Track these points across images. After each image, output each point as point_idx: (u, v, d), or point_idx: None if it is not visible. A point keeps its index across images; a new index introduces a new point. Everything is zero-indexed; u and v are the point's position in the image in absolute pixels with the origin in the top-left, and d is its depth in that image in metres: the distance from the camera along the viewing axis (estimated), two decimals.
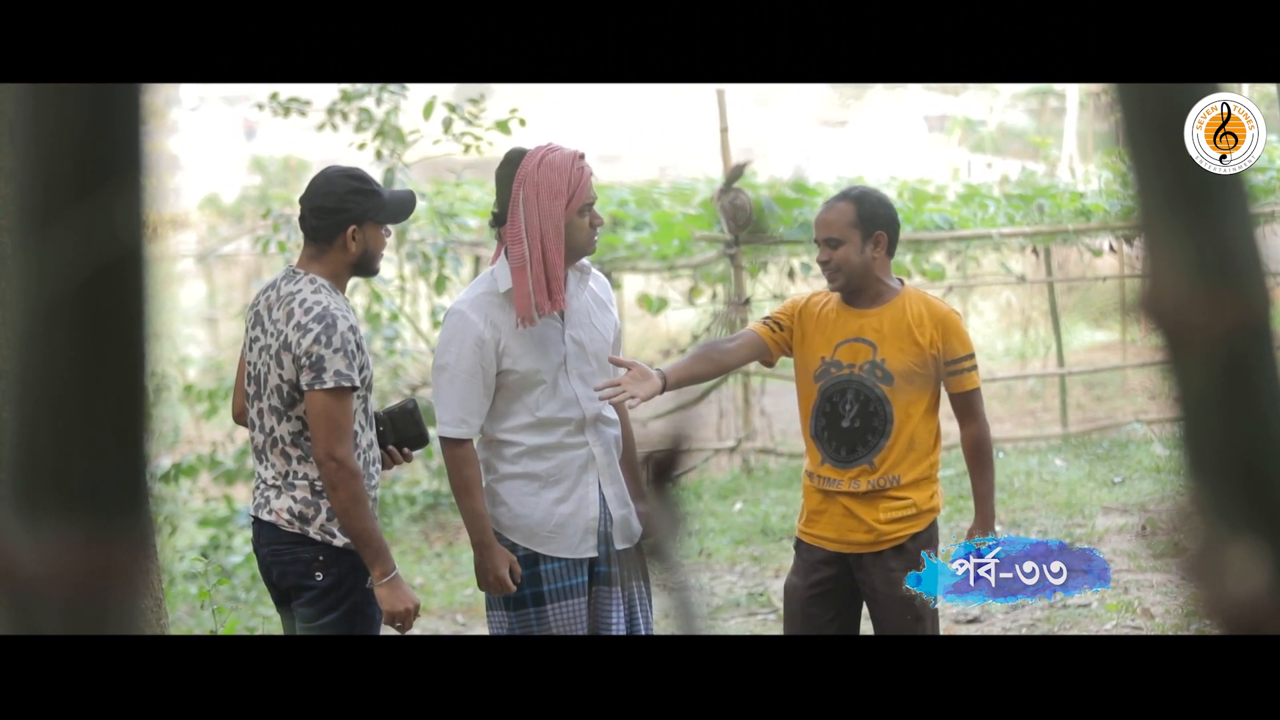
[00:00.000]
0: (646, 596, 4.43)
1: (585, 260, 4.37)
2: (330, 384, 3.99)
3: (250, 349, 4.19)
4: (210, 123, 26.26)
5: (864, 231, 4.44)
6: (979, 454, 4.53)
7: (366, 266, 4.22)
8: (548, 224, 4.16)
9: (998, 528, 8.90)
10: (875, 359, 4.46)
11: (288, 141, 23.78)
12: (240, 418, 4.37)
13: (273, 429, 4.12)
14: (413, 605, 4.14)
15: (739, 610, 7.42)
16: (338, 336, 4.01)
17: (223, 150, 25.87)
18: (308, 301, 4.08)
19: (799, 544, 4.64)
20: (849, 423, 4.47)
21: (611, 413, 4.39)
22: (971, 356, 4.50)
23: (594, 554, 4.28)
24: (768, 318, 4.65)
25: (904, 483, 4.45)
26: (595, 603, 4.30)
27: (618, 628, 4.28)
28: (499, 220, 4.26)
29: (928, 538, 4.50)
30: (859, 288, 4.48)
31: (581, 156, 4.24)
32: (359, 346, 4.09)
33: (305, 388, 4.01)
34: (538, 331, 4.21)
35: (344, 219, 4.11)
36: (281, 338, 4.07)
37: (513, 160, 4.23)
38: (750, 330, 4.66)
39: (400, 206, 4.24)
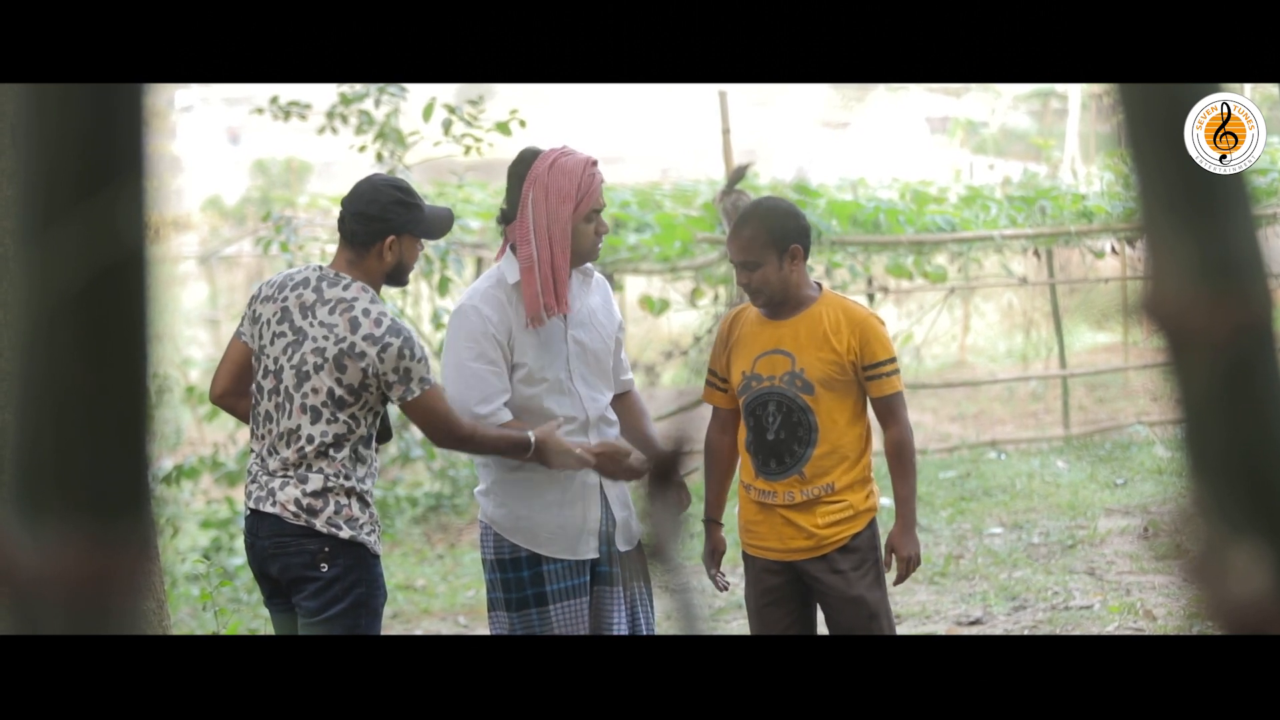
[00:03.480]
0: (648, 597, 4.44)
1: (589, 264, 4.38)
2: (418, 391, 4.11)
3: (270, 342, 4.20)
4: (197, 127, 26.27)
5: (778, 249, 4.43)
6: (900, 458, 4.50)
7: (398, 277, 4.30)
8: (555, 227, 4.18)
9: (998, 529, 8.91)
10: (794, 369, 4.45)
11: (276, 145, 23.80)
12: (220, 400, 4.41)
13: (300, 426, 4.13)
14: (575, 454, 4.22)
15: (740, 612, 7.39)
16: (417, 347, 4.14)
17: (209, 154, 25.87)
18: (372, 312, 4.15)
19: (745, 556, 4.66)
20: (774, 435, 4.47)
21: (613, 414, 4.41)
22: (892, 361, 4.47)
23: (595, 555, 4.29)
24: (709, 376, 4.67)
25: (838, 489, 4.45)
26: (597, 603, 4.30)
27: (619, 628, 4.29)
28: (506, 217, 4.27)
29: (869, 535, 4.51)
30: (781, 302, 4.48)
31: (594, 163, 4.26)
32: None
33: (398, 400, 4.12)
34: (542, 330, 4.23)
35: (384, 228, 4.18)
36: (345, 344, 4.12)
37: (525, 159, 4.25)
38: (711, 407, 4.70)
39: (439, 223, 4.33)
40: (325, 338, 4.13)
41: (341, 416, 4.13)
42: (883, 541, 4.59)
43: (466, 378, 4.20)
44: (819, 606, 4.58)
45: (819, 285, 4.57)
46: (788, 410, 4.45)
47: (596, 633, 4.28)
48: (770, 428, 4.47)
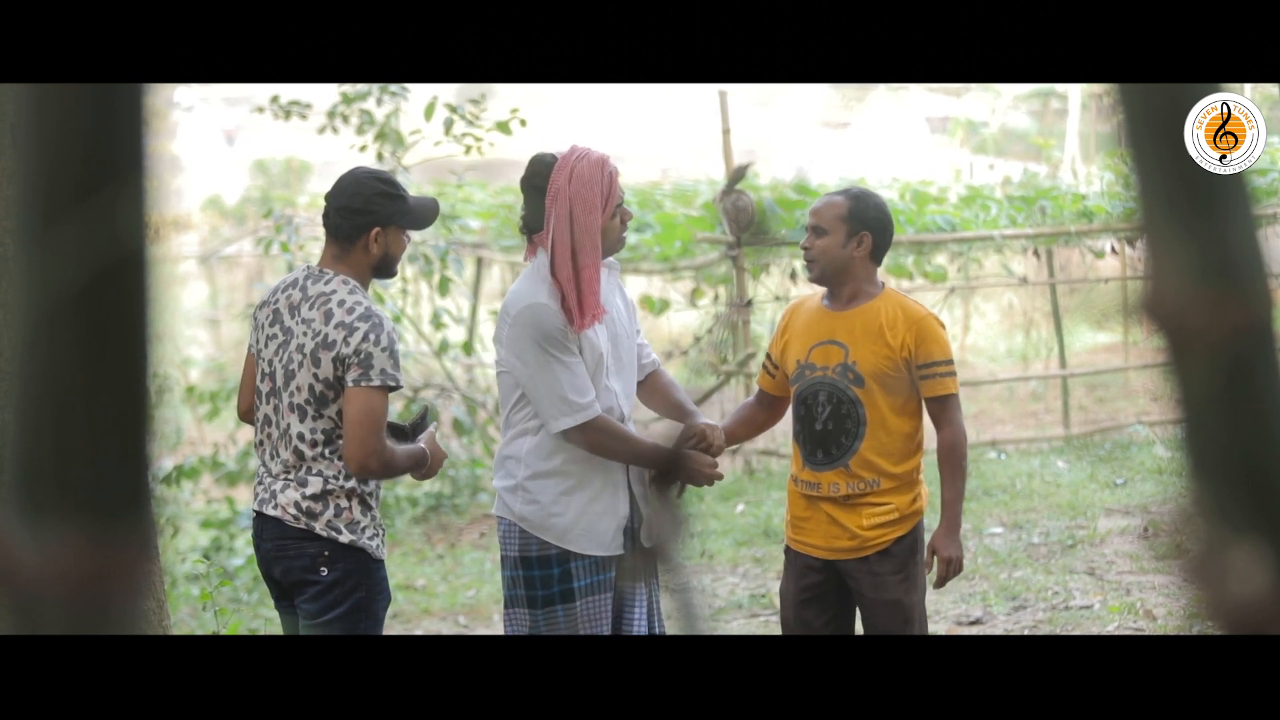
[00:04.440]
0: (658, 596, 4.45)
1: (612, 258, 4.37)
2: (376, 382, 4.05)
3: (265, 345, 4.22)
4: (193, 128, 26.26)
5: (850, 228, 4.46)
6: (950, 460, 4.49)
7: (386, 269, 4.28)
8: (584, 239, 4.15)
9: (998, 529, 8.90)
10: (847, 361, 4.45)
11: (273, 144, 23.82)
12: (247, 415, 4.39)
13: (289, 426, 4.13)
14: (442, 457, 4.33)
15: (741, 612, 7.42)
16: (385, 336, 4.07)
17: (205, 155, 25.87)
18: (347, 302, 4.13)
19: (788, 550, 4.66)
20: (821, 425, 4.48)
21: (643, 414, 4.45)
22: (948, 362, 4.46)
23: (622, 551, 4.27)
24: (765, 361, 4.74)
25: (883, 487, 4.45)
26: (618, 599, 4.29)
27: (639, 623, 4.28)
28: (530, 227, 4.24)
29: (912, 540, 4.50)
30: (835, 284, 4.49)
31: (608, 160, 4.24)
32: (398, 347, 4.15)
33: (350, 384, 4.05)
34: (589, 331, 4.21)
35: (368, 221, 4.17)
36: (320, 337, 4.10)
37: (541, 171, 4.20)
38: (760, 390, 4.78)
39: (424, 213, 4.32)
40: (305, 334, 4.13)
41: (326, 413, 4.11)
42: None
43: (558, 371, 4.14)
44: (858, 609, 4.58)
45: (883, 284, 4.58)
46: (837, 401, 4.45)
47: (617, 628, 4.28)
48: (819, 417, 4.48)
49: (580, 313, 4.16)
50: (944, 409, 4.48)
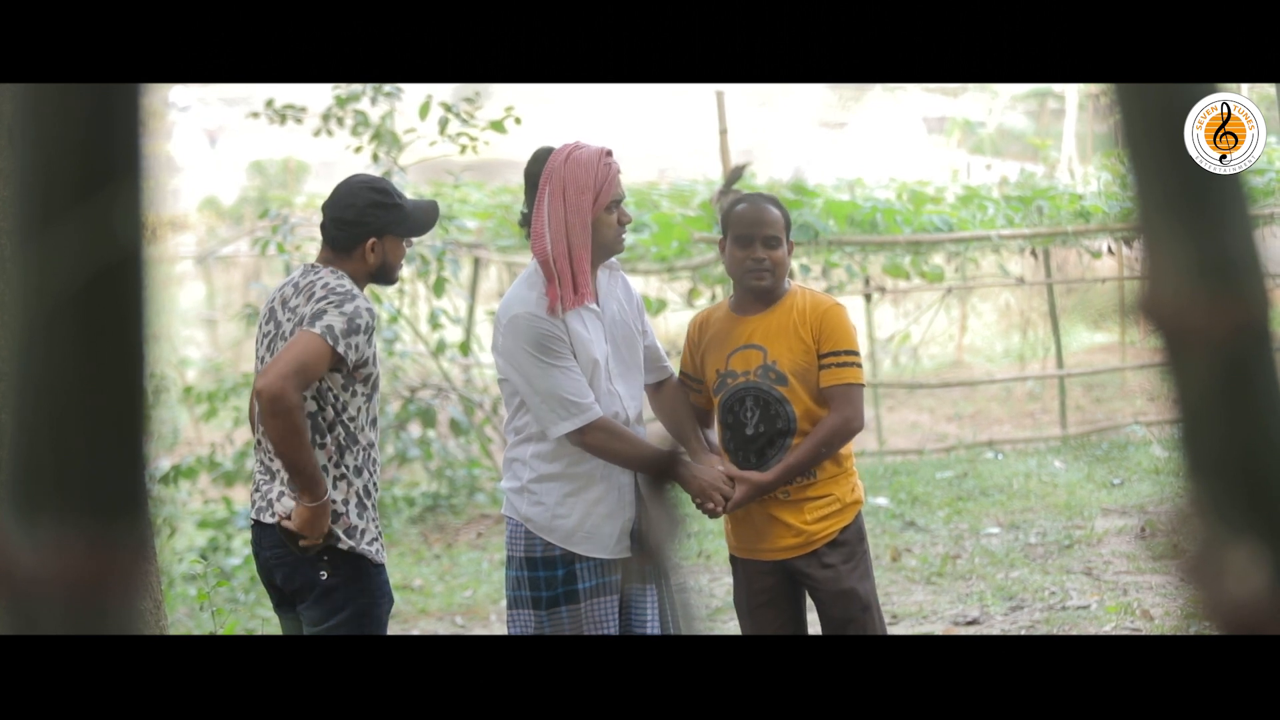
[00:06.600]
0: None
1: (614, 259, 4.36)
2: (318, 330, 4.00)
3: (260, 341, 4.23)
4: (184, 128, 26.26)
5: (786, 235, 4.52)
6: (827, 433, 4.40)
7: (385, 276, 4.26)
8: (574, 219, 4.15)
9: (995, 529, 8.89)
10: (767, 362, 4.46)
11: (257, 146, 23.83)
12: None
13: None
14: (325, 531, 4.09)
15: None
16: (350, 306, 4.04)
17: (190, 155, 25.87)
18: (330, 283, 4.12)
19: (734, 560, 4.65)
20: (753, 429, 4.47)
21: (648, 412, 4.43)
22: (851, 353, 4.44)
23: (628, 554, 4.27)
24: (683, 378, 4.65)
25: (821, 478, 4.45)
26: (629, 601, 4.28)
27: (652, 625, 4.27)
28: (528, 219, 4.24)
29: (856, 528, 4.52)
30: (771, 290, 4.50)
31: (609, 153, 4.24)
32: (366, 331, 4.08)
33: (293, 328, 4.04)
34: (583, 331, 4.20)
35: (363, 232, 4.15)
36: (300, 318, 4.09)
37: (540, 158, 4.23)
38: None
39: (421, 219, 4.28)
40: (289, 320, 4.13)
41: (307, 395, 4.07)
42: (869, 535, 4.58)
43: (555, 375, 4.13)
44: (811, 601, 4.59)
45: (790, 282, 4.62)
46: (765, 404, 4.46)
47: (627, 630, 4.27)
48: (749, 423, 4.47)
49: (574, 291, 4.16)
50: (845, 395, 4.42)
